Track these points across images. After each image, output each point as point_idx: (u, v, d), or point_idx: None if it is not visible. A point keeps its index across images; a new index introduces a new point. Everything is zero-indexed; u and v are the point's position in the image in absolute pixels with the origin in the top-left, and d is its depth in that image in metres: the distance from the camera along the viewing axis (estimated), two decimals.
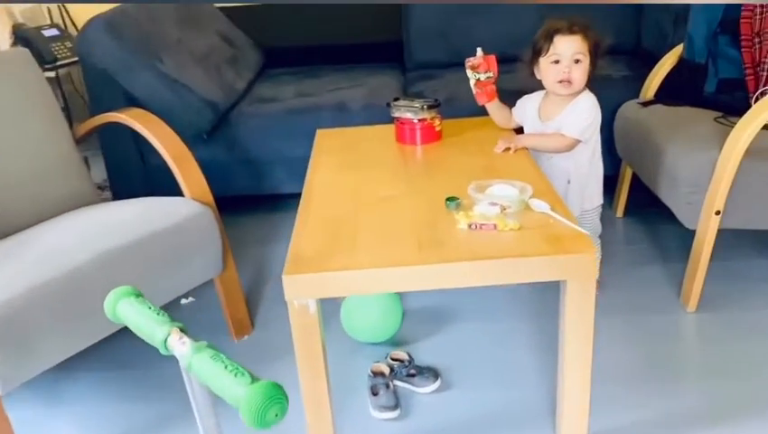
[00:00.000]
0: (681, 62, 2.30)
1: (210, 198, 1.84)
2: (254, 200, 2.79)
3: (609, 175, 2.54)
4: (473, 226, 1.38)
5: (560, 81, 1.78)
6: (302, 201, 1.60)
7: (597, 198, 1.97)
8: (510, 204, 1.45)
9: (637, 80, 2.50)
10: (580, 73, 1.78)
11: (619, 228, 2.50)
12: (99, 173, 2.91)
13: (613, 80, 2.60)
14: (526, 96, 1.98)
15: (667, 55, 2.37)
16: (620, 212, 2.55)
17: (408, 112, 1.94)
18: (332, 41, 3.23)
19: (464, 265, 1.26)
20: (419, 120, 1.94)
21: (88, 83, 2.50)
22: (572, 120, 1.82)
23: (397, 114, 1.97)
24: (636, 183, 2.37)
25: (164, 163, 1.86)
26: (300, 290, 1.27)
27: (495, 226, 1.37)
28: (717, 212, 1.81)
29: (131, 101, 2.40)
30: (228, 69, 2.78)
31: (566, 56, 1.76)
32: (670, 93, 2.29)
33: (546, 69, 1.81)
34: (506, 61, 3.08)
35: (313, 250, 1.35)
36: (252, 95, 2.80)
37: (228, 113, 2.60)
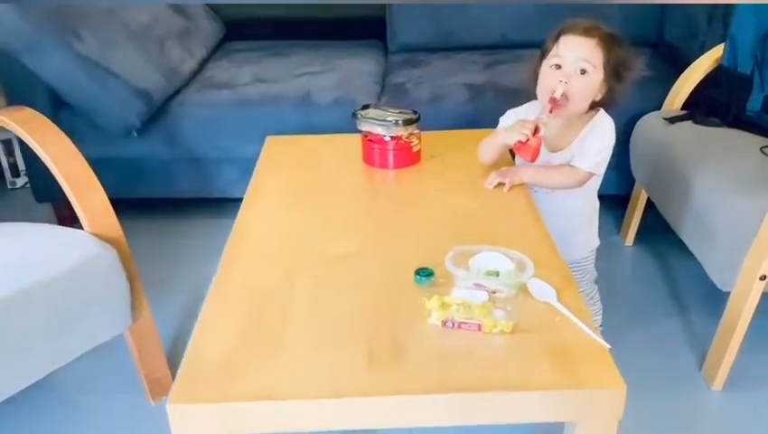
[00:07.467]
0: (719, 70, 1.88)
1: (117, 232, 1.42)
2: (198, 203, 2.38)
3: (619, 196, 2.18)
4: (449, 324, 0.99)
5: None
6: (224, 255, 1.20)
7: (596, 237, 1.58)
8: (502, 287, 1.06)
9: (660, 82, 2.08)
10: (582, 88, 1.35)
11: (627, 260, 2.12)
12: None
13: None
14: (514, 110, 1.50)
15: (701, 58, 1.94)
16: (630, 239, 2.16)
17: (379, 127, 1.53)
18: (305, 13, 2.76)
19: (430, 400, 0.87)
20: (392, 138, 1.52)
21: None
22: (588, 148, 1.41)
23: (365, 127, 1.55)
24: (650, 202, 1.98)
25: (90, 152, 1.47)
26: (193, 426, 0.88)
27: (480, 327, 0.98)
28: (763, 277, 1.43)
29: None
30: (175, 45, 2.32)
31: (569, 61, 1.34)
32: (704, 108, 1.87)
33: (544, 74, 1.40)
34: (507, 47, 2.72)
35: (219, 355, 0.95)
36: (202, 78, 2.36)
37: (169, 101, 2.17)
